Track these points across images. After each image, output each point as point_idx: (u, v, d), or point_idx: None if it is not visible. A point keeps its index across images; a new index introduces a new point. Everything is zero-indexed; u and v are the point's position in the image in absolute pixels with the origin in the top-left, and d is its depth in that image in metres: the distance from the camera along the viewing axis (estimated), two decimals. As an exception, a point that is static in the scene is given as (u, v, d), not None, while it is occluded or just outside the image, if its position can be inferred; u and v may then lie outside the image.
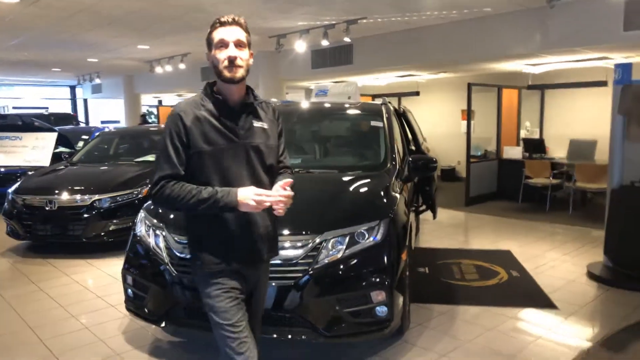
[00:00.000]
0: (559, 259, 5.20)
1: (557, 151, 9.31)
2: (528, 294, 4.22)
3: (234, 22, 1.90)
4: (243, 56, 1.90)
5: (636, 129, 4.45)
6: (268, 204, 1.85)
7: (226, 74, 1.88)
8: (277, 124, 2.11)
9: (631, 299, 4.06)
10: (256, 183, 1.94)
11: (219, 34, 1.89)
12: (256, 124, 2.00)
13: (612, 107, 4.68)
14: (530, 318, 3.74)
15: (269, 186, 1.99)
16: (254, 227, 1.99)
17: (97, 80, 15.67)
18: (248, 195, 1.84)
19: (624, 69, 4.66)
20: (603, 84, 8.10)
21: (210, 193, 1.85)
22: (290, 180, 1.90)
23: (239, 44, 1.89)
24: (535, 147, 8.73)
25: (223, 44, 1.88)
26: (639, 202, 4.37)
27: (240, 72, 1.90)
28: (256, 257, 2.04)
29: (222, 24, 1.89)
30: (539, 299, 4.09)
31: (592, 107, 9.04)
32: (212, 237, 1.98)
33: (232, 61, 1.87)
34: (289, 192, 1.86)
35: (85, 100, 20.54)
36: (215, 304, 1.95)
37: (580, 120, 9.36)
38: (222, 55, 1.88)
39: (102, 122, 18.28)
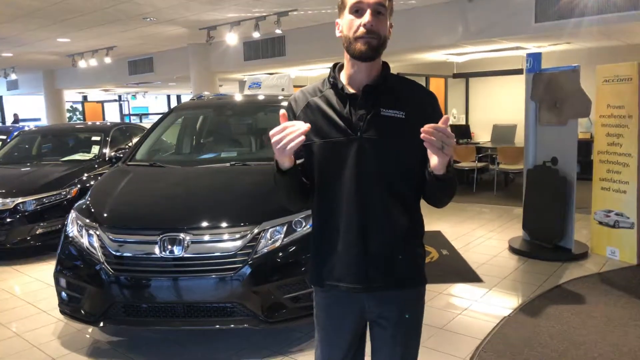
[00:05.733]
0: (485, 236, 5.60)
1: (482, 136, 9.91)
2: (457, 270, 4.53)
3: None
4: (382, 26, 1.48)
5: (546, 113, 4.87)
6: (291, 135, 1.38)
7: (359, 46, 1.45)
8: (425, 113, 1.52)
9: (545, 268, 4.47)
10: (362, 192, 1.51)
11: None
12: (385, 112, 1.51)
13: (525, 94, 5.08)
14: (458, 292, 4.03)
15: (390, 201, 1.55)
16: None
17: (13, 76, 14.60)
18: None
19: (534, 58, 5.07)
20: (520, 72, 8.69)
21: None
22: (447, 116, 1.40)
23: (377, 11, 1.46)
24: (462, 133, 9.24)
25: (359, 9, 1.45)
26: (550, 180, 4.79)
27: (374, 45, 1.47)
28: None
29: None
30: (467, 274, 4.40)
31: (511, 93, 9.69)
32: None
33: (369, 31, 1.45)
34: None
35: None
36: None
37: (502, 106, 10.01)
38: (356, 22, 1.46)
39: (22, 120, 17.10)
